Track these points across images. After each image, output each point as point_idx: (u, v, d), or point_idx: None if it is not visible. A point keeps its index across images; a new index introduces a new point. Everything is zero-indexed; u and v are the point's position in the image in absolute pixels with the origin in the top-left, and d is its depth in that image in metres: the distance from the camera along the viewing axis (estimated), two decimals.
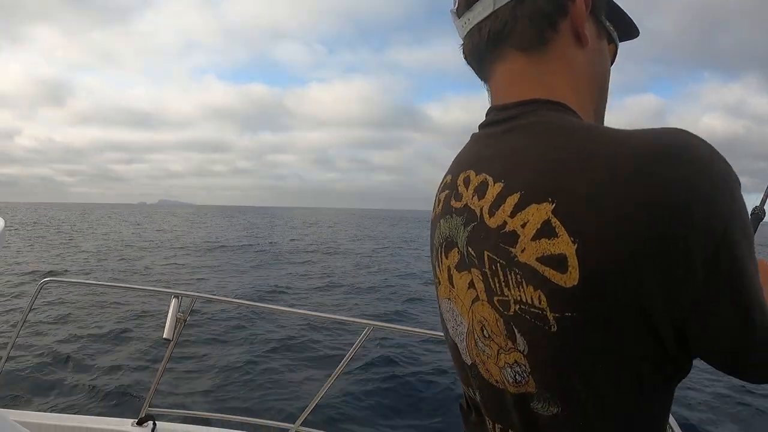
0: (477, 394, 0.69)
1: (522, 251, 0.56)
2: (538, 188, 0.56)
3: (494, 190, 0.62)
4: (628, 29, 0.78)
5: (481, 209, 0.63)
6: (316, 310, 2.70)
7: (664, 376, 0.56)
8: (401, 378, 5.91)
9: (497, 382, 0.64)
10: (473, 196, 0.66)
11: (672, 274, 0.49)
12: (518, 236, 0.56)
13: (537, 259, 0.54)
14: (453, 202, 0.71)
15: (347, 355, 2.42)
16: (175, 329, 2.26)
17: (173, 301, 2.29)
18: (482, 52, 0.71)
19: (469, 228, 0.66)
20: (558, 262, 0.52)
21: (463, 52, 0.75)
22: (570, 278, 0.51)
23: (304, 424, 2.47)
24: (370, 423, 5.07)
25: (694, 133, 0.52)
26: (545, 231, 0.53)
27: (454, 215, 0.70)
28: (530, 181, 0.57)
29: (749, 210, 1.29)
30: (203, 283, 12.43)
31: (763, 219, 1.25)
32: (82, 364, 6.29)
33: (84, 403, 5.35)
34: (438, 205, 0.77)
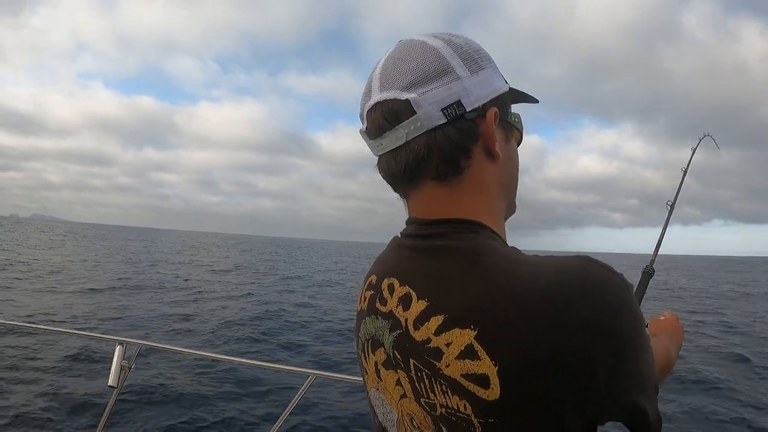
0: None
1: (447, 366, 0.60)
2: (460, 315, 0.60)
3: (418, 306, 0.66)
4: (528, 100, 0.83)
5: (406, 320, 0.67)
6: (255, 359, 2.75)
7: None
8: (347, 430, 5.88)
9: None
10: (398, 305, 0.70)
11: (579, 392, 0.55)
12: (443, 353, 0.61)
13: (462, 375, 0.59)
14: (378, 305, 0.75)
15: (288, 407, 2.44)
16: (119, 376, 2.26)
17: (118, 348, 2.29)
18: (397, 178, 0.73)
19: (394, 334, 0.69)
20: (481, 380, 0.57)
21: (379, 170, 0.76)
22: (492, 393, 0.56)
23: None
24: None
25: (594, 258, 0.60)
26: (469, 353, 0.58)
27: (379, 317, 0.74)
28: (453, 306, 0.61)
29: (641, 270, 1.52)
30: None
31: (653, 276, 1.52)
32: (19, 412, 5.95)
33: None
34: (363, 301, 0.80)
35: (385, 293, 0.74)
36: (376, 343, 0.75)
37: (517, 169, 0.79)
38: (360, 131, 0.76)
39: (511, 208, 0.80)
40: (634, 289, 1.37)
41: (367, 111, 0.72)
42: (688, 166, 1.68)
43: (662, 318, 1.22)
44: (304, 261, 52.47)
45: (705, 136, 1.73)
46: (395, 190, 0.78)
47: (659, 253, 1.60)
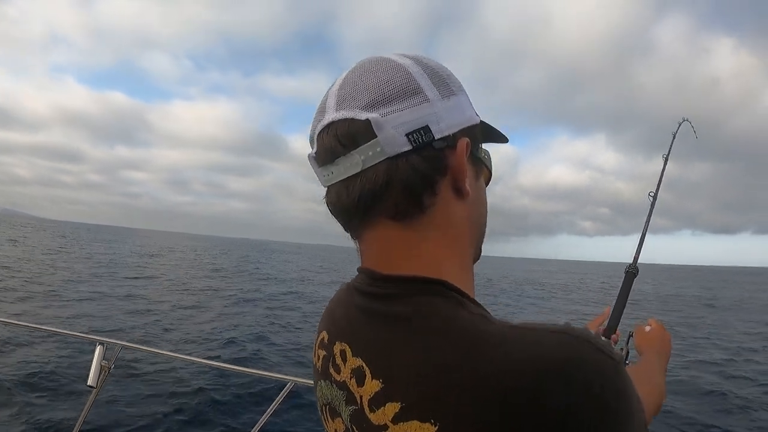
0: None
1: None
2: (419, 405, 0.52)
3: (372, 386, 0.57)
4: (498, 140, 0.75)
5: (361, 398, 0.59)
6: (234, 364, 2.75)
7: None
8: None
9: None
10: (351, 378, 0.62)
11: None
12: None
13: None
14: (332, 371, 0.67)
15: (264, 415, 2.43)
16: (99, 377, 2.25)
17: (98, 348, 2.28)
18: (349, 213, 0.64)
19: (350, 408, 0.62)
20: None
21: (327, 203, 0.67)
22: None
23: None
24: None
25: (577, 328, 0.51)
26: None
27: (334, 386, 0.66)
28: (410, 393, 0.53)
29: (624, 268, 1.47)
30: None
31: (636, 275, 1.39)
32: None
33: None
34: (317, 360, 0.72)
35: (338, 359, 0.65)
36: (333, 412, 0.67)
37: (486, 211, 0.71)
38: (308, 156, 0.67)
39: (477, 255, 0.71)
40: (618, 291, 1.35)
41: (319, 132, 0.63)
42: (668, 152, 1.61)
43: (648, 329, 1.18)
44: (281, 264, 51.69)
45: (684, 120, 1.67)
46: (346, 229, 0.68)
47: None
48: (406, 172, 0.59)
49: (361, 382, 0.59)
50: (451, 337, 0.53)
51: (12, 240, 48.44)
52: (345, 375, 0.63)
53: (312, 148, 0.66)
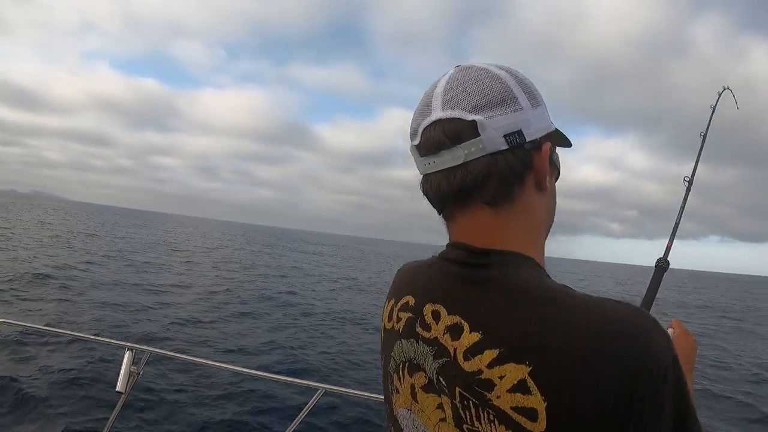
0: None
1: (497, 398, 0.62)
2: (516, 350, 0.62)
3: (471, 338, 0.67)
4: (564, 144, 0.86)
5: (455, 350, 0.68)
6: (263, 370, 2.68)
7: None
8: None
9: None
10: (444, 334, 0.71)
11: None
12: (494, 385, 0.62)
13: (511, 408, 0.61)
14: (420, 330, 0.75)
15: (294, 422, 2.43)
16: (127, 382, 2.26)
17: (127, 354, 2.30)
18: (448, 198, 0.74)
19: (440, 361, 0.71)
20: (530, 413, 0.60)
21: (423, 188, 0.78)
22: (539, 426, 0.59)
23: None
24: None
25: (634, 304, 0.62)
26: (521, 387, 0.60)
27: (420, 342, 0.75)
28: (509, 341, 0.63)
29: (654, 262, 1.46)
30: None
31: (667, 269, 1.35)
32: (22, 415, 5.80)
33: None
34: (398, 322, 0.81)
35: (428, 319, 0.75)
36: (415, 367, 0.76)
37: (556, 203, 0.82)
38: (411, 147, 0.78)
39: (545, 239, 0.82)
40: (647, 285, 1.33)
41: (425, 127, 0.73)
42: (707, 129, 1.50)
43: (671, 332, 1.09)
44: (309, 256, 51.05)
45: (725, 89, 1.57)
46: (439, 211, 0.79)
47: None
48: (504, 167, 0.70)
49: (456, 336, 0.69)
50: (546, 298, 0.64)
51: (41, 222, 49.48)
52: (437, 331, 0.72)
53: (413, 141, 0.77)
